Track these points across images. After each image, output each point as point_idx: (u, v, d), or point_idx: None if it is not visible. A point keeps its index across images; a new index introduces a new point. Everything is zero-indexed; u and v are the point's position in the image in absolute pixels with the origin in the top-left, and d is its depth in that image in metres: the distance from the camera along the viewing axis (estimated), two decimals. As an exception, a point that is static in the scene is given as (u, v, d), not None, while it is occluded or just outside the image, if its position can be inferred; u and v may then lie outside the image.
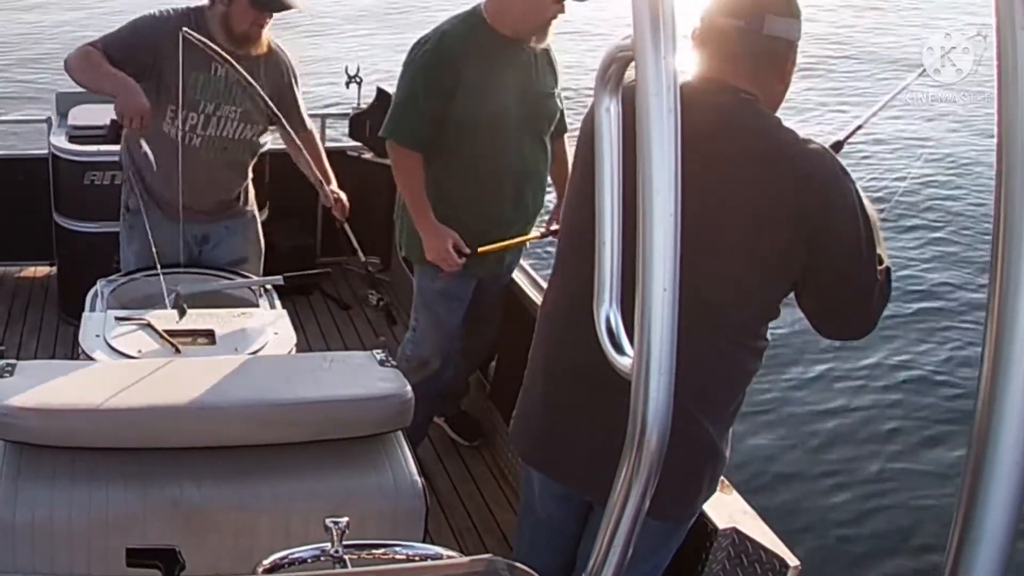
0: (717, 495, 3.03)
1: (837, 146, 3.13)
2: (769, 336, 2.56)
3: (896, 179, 9.59)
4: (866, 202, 2.56)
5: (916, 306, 7.67)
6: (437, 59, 3.80)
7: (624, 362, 1.42)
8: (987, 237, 1.06)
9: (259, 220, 4.68)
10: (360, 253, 4.46)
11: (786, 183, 2.32)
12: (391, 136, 3.94)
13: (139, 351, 3.56)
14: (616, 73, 1.50)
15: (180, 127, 4.11)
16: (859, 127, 3.23)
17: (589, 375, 2.43)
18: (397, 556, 2.21)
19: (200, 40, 3.85)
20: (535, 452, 2.79)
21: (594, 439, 2.56)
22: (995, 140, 0.90)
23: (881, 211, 2.56)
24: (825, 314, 2.47)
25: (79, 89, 4.13)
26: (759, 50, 2.41)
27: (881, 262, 2.40)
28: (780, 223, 2.34)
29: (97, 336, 3.65)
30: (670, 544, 2.70)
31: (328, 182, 4.31)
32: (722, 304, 2.37)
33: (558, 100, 4.03)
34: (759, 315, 2.48)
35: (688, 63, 2.45)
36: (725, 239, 2.32)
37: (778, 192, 2.33)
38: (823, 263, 2.36)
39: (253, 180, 5.44)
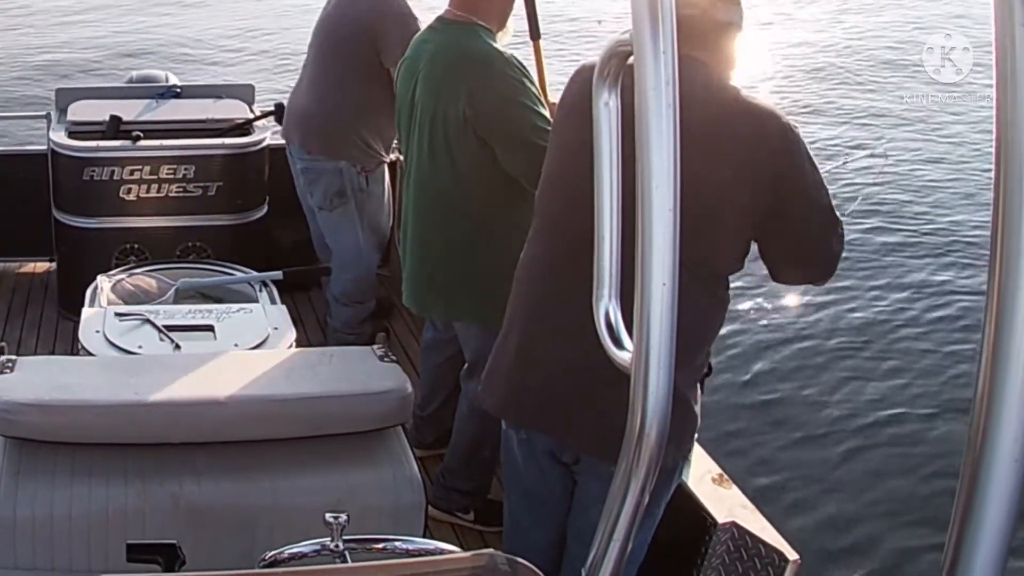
0: (716, 489, 3.03)
1: None
2: (729, 293, 2.65)
3: (895, 174, 9.60)
4: None
5: (916, 301, 7.67)
6: (532, 85, 3.59)
7: (623, 356, 1.42)
8: (986, 233, 1.05)
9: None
10: None
11: (745, 136, 2.48)
12: None
13: (139, 346, 3.56)
14: (615, 68, 1.50)
15: None
16: None
17: (565, 329, 2.49)
18: (397, 551, 2.21)
19: None
20: (506, 405, 2.78)
21: (567, 389, 2.60)
22: (993, 138, 0.90)
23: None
24: (795, 258, 2.62)
25: (78, 85, 4.14)
26: (711, 34, 2.60)
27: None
28: (742, 169, 2.46)
29: (97, 332, 3.65)
30: (655, 506, 2.66)
31: None
32: (691, 256, 2.41)
33: None
34: (724, 266, 2.59)
35: None
36: (698, 196, 2.36)
37: (738, 145, 2.47)
38: (788, 203, 2.50)
39: (252, 175, 5.49)
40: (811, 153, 2.53)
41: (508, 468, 2.93)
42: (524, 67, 3.58)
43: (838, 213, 2.60)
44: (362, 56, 4.76)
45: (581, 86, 2.56)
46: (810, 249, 2.60)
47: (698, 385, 2.68)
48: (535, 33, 4.21)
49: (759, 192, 2.46)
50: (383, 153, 4.94)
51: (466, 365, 3.90)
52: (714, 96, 2.51)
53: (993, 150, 0.90)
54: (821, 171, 2.57)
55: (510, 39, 3.76)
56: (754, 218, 2.49)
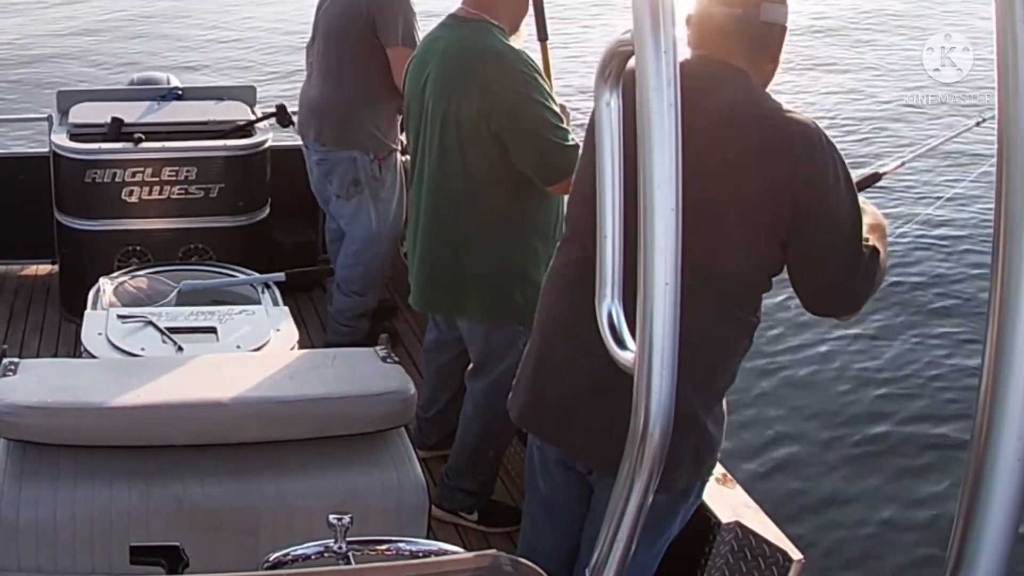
0: (720, 489, 3.02)
1: (876, 177, 3.18)
2: (759, 315, 2.56)
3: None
4: (865, 202, 2.61)
5: (920, 303, 7.67)
6: (544, 81, 3.59)
7: (626, 357, 1.42)
8: (989, 232, 1.05)
9: None
10: None
11: (771, 144, 2.39)
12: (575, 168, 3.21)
13: (141, 349, 3.56)
14: (616, 68, 1.50)
15: None
16: (902, 164, 3.28)
17: (580, 341, 2.43)
18: (400, 552, 2.21)
19: None
20: (524, 414, 2.78)
21: (580, 402, 2.58)
22: (995, 136, 0.90)
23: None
24: (810, 285, 2.49)
25: (80, 87, 4.15)
26: (755, 36, 2.53)
27: (867, 240, 2.45)
28: (766, 184, 2.39)
29: (99, 334, 3.66)
30: (664, 523, 2.64)
31: None
32: (714, 271, 2.38)
33: None
34: (750, 283, 2.51)
35: (683, 47, 2.52)
36: (718, 203, 2.34)
37: (764, 153, 2.39)
38: (805, 226, 2.40)
39: (254, 177, 5.49)
40: (849, 180, 2.40)
41: (528, 472, 2.94)
42: (536, 65, 3.58)
43: (877, 251, 2.46)
44: (364, 42, 4.83)
45: None
46: (826, 279, 2.47)
47: (721, 406, 2.60)
48: (543, 35, 4.23)
49: (776, 203, 2.37)
50: (394, 141, 4.97)
51: (471, 365, 3.89)
52: (740, 106, 2.45)
53: (995, 149, 0.90)
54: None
55: (522, 44, 3.76)
56: (772, 231, 2.40)
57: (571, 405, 2.62)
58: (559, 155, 3.46)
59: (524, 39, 3.81)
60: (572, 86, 9.84)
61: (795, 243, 2.42)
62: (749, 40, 2.52)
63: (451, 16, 3.72)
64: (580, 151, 2.82)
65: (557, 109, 3.53)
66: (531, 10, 4.03)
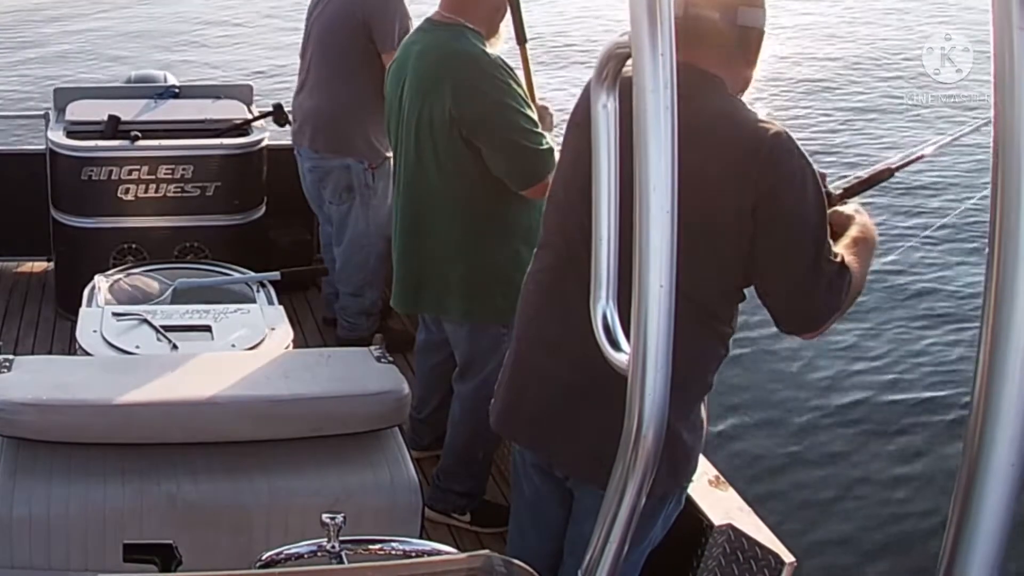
0: (712, 491, 3.02)
1: (888, 172, 3.14)
2: (735, 325, 2.54)
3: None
4: (857, 211, 2.58)
5: (914, 304, 7.68)
6: (518, 86, 3.61)
7: (620, 358, 1.42)
8: (984, 236, 1.06)
9: None
10: None
11: (738, 152, 2.36)
12: (549, 172, 3.28)
13: (136, 347, 3.56)
14: (613, 70, 1.50)
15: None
16: (919, 157, 3.25)
17: (555, 346, 2.46)
18: (394, 552, 2.21)
19: None
20: (501, 419, 2.77)
21: (556, 408, 2.57)
22: (991, 139, 0.90)
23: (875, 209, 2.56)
24: (771, 298, 2.44)
25: (77, 85, 4.14)
26: (732, 40, 2.50)
27: (836, 256, 2.40)
28: (732, 192, 2.36)
29: (94, 331, 3.65)
30: (644, 528, 2.59)
31: None
32: (687, 279, 2.36)
33: None
34: (720, 295, 2.48)
35: None
36: (688, 211, 2.31)
37: (730, 161, 2.36)
38: (768, 236, 2.36)
39: (250, 175, 5.50)
40: (818, 193, 2.36)
41: (513, 475, 2.94)
42: (511, 69, 3.59)
43: (847, 267, 2.40)
44: (358, 46, 4.86)
45: (587, 102, 2.50)
46: (785, 290, 2.41)
47: (699, 413, 2.57)
48: (521, 38, 4.23)
49: (741, 209, 2.34)
50: (387, 148, 4.97)
51: (457, 368, 3.90)
52: (710, 113, 2.41)
53: (991, 152, 0.90)
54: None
55: (502, 45, 3.77)
56: (738, 239, 2.37)
57: (547, 411, 2.61)
58: (533, 159, 3.48)
59: (504, 42, 3.82)
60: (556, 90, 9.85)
61: (758, 252, 2.38)
62: (726, 44, 2.49)
63: (427, 20, 3.74)
64: (557, 156, 2.81)
65: (532, 114, 3.53)
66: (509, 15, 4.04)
